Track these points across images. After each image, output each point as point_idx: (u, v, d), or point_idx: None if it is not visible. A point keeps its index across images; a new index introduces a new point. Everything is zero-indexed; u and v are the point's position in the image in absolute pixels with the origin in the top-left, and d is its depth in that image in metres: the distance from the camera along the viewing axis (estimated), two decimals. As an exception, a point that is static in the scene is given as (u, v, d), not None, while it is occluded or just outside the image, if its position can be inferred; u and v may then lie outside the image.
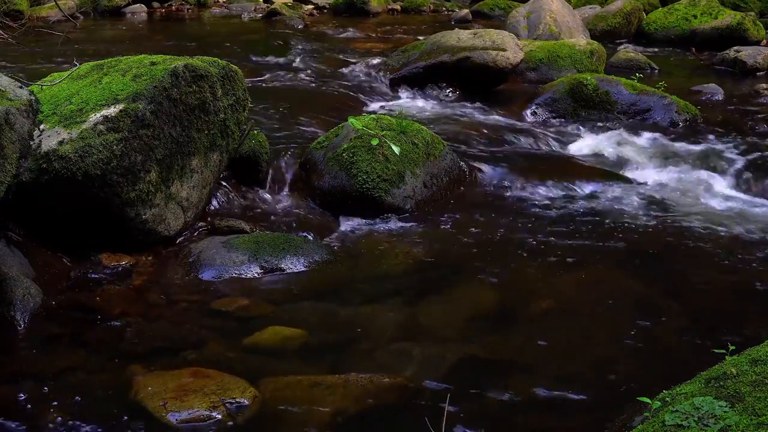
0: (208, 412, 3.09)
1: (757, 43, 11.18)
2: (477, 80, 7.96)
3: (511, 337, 3.85)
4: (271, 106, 7.06)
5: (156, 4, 14.60)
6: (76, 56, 6.96)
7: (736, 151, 6.55)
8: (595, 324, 3.94)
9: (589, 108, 7.49)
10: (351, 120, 5.38)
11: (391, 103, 7.75)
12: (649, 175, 6.09)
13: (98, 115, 4.31)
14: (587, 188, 5.74)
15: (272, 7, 14.32)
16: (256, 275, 4.33)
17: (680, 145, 6.74)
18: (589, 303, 4.16)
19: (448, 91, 7.97)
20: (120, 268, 4.32)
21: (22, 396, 3.24)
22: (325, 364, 3.52)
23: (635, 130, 7.07)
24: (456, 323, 3.95)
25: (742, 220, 5.27)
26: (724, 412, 2.36)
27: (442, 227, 5.05)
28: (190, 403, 3.13)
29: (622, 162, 6.38)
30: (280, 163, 5.67)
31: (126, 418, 3.10)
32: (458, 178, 5.71)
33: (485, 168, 5.96)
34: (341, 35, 11.95)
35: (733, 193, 5.78)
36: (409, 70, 8.23)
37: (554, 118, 7.49)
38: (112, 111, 4.33)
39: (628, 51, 10.32)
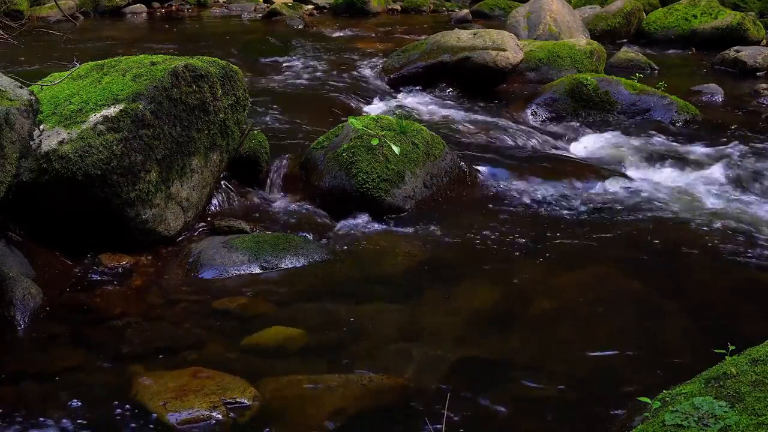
0: (208, 412, 3.09)
1: (757, 43, 11.17)
2: (477, 80, 7.96)
3: (511, 337, 3.85)
4: (271, 106, 7.06)
5: (156, 4, 14.60)
6: (76, 56, 6.97)
7: (736, 152, 6.55)
8: (595, 324, 3.94)
9: (589, 108, 7.49)
10: (351, 120, 5.38)
11: (391, 103, 7.75)
12: (649, 175, 6.09)
13: (98, 115, 4.32)
14: (587, 188, 5.74)
15: (272, 7, 14.32)
16: (256, 275, 4.33)
17: (680, 146, 6.74)
18: (589, 303, 4.16)
19: (448, 91, 7.97)
20: (120, 268, 4.32)
21: (22, 396, 3.24)
22: (325, 364, 3.52)
23: (635, 130, 7.07)
24: (456, 323, 3.95)
25: (742, 220, 5.27)
26: (724, 412, 2.36)
27: (442, 227, 5.04)
28: (190, 403, 3.13)
29: (621, 162, 6.38)
30: (281, 163, 5.67)
31: (126, 418, 3.10)
32: (458, 178, 5.71)
33: (485, 168, 5.96)
34: (341, 35, 11.95)
35: (733, 193, 5.78)
36: (409, 70, 8.23)
37: (554, 118, 7.48)
38: (112, 111, 4.33)
39: (628, 51, 10.31)
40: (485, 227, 5.07)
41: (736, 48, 10.29)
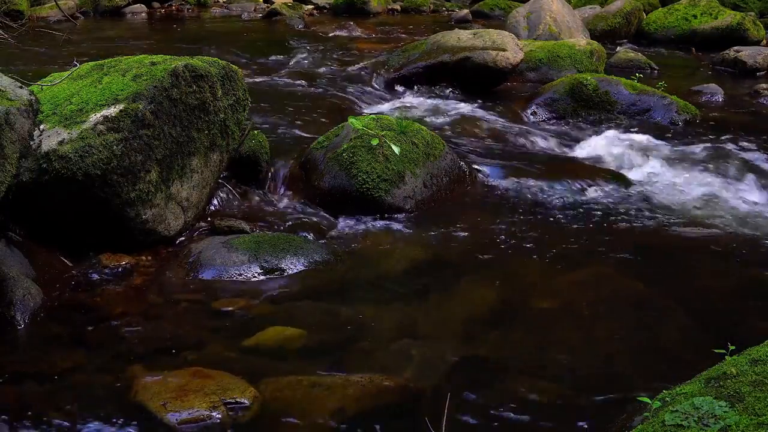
0: (208, 412, 3.09)
1: (757, 43, 11.18)
2: (477, 80, 7.96)
3: (511, 337, 3.85)
4: (271, 106, 7.06)
5: (156, 4, 14.61)
6: (76, 56, 6.97)
7: (736, 152, 6.55)
8: (595, 324, 3.94)
9: (589, 108, 7.49)
10: (351, 120, 5.39)
11: (391, 103, 7.75)
12: (649, 176, 6.08)
13: (98, 115, 4.32)
14: (587, 188, 5.74)
15: (272, 7, 14.32)
16: (256, 275, 4.33)
17: (680, 146, 6.74)
18: (589, 303, 4.16)
19: (448, 91, 7.98)
20: (120, 268, 4.32)
21: (22, 396, 3.24)
22: (325, 364, 3.52)
23: (635, 131, 7.08)
24: (456, 323, 3.95)
25: (742, 220, 5.27)
26: (724, 412, 2.36)
27: (442, 227, 5.04)
28: (190, 403, 3.13)
29: (621, 162, 6.38)
30: (280, 163, 5.67)
31: (126, 418, 3.10)
32: (458, 178, 5.71)
33: (485, 168, 5.96)
34: (341, 35, 11.95)
35: (733, 193, 5.78)
36: (409, 70, 8.23)
37: (554, 118, 7.49)
38: (112, 111, 4.33)
39: (628, 51, 10.32)
40: (485, 227, 5.07)
41: (736, 48, 10.30)
